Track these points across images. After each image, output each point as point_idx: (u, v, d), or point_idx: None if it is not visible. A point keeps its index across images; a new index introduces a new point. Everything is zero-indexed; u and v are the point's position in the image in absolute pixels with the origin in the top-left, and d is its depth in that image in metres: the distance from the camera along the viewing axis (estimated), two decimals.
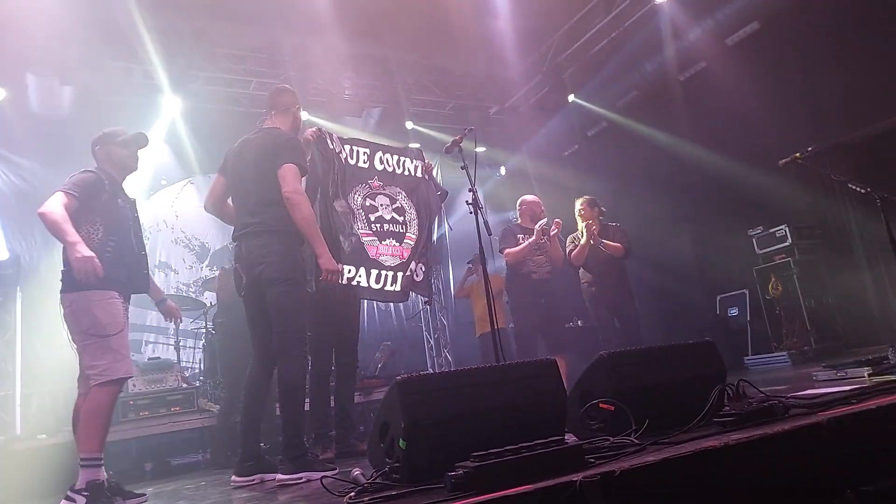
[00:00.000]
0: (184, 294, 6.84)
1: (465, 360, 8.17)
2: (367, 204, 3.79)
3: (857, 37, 5.89)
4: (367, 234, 3.71)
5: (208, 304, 6.06)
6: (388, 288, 3.76)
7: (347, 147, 3.89)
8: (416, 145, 8.63)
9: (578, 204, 5.37)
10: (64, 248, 2.96)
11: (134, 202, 3.47)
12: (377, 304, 8.17)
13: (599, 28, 6.98)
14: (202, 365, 5.85)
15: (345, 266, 3.53)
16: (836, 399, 2.39)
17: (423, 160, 4.34)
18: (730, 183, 6.56)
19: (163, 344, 6.73)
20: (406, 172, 4.19)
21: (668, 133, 7.25)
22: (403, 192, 4.06)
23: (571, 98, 7.83)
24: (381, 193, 3.92)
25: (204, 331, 5.82)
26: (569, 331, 5.35)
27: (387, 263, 3.75)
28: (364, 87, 7.53)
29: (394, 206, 3.94)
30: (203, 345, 5.77)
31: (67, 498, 2.91)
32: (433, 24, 6.58)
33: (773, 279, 6.69)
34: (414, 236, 3.98)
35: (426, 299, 4.37)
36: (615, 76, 7.43)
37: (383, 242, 3.77)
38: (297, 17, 6.14)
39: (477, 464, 1.69)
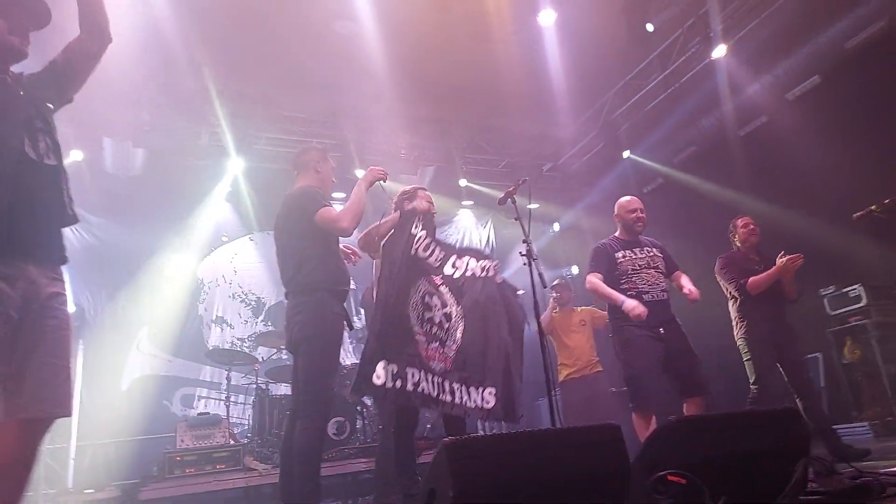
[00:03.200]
0: (237, 349, 6.91)
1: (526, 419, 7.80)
2: (425, 301, 3.40)
3: None
4: (420, 333, 3.31)
5: (261, 360, 6.09)
6: (441, 397, 3.21)
7: (432, 247, 3.49)
8: (468, 206, 8.66)
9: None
10: None
11: (34, 83, 2.15)
12: None
13: (655, 84, 6.95)
14: (251, 421, 5.83)
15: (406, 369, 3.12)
16: None
17: (491, 259, 3.72)
18: (796, 239, 6.20)
19: (215, 399, 6.76)
20: (468, 273, 3.60)
21: (728, 188, 7.03)
22: (454, 298, 3.52)
23: (627, 154, 7.74)
24: (436, 294, 3.48)
25: (255, 386, 5.82)
26: (701, 365, 4.10)
27: (434, 368, 3.27)
28: (419, 147, 7.68)
29: (444, 310, 3.47)
30: (253, 401, 5.76)
31: None
32: (487, 86, 6.71)
33: (849, 342, 6.21)
34: (455, 345, 3.41)
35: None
36: (672, 132, 7.32)
37: (431, 345, 3.32)
38: (356, 82, 6.40)
39: None
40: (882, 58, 5.82)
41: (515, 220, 3.52)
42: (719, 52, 6.16)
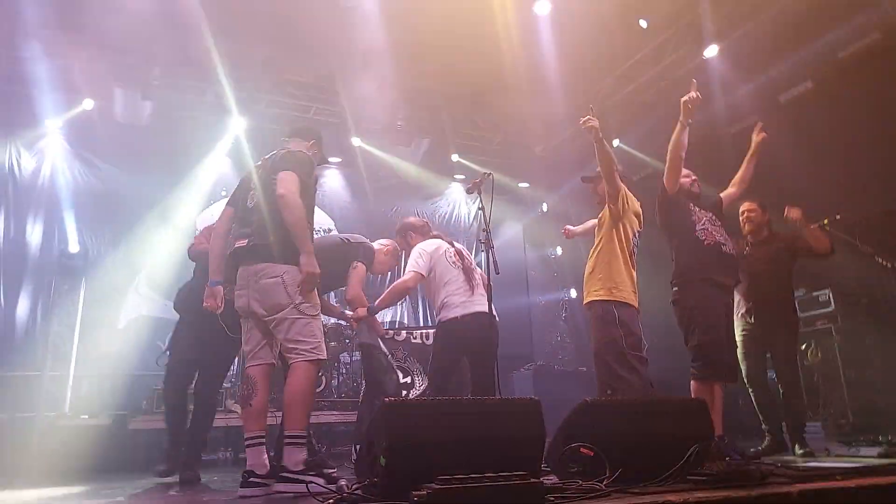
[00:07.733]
0: None
1: None
2: None
3: None
4: None
5: None
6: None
7: None
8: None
9: None
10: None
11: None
12: None
13: (648, 77, 7.08)
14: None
15: None
16: (821, 474, 2.37)
17: None
18: None
19: None
20: None
21: (714, 185, 7.21)
22: None
23: (616, 143, 7.89)
24: None
25: None
26: None
27: None
28: (415, 119, 7.85)
29: None
30: None
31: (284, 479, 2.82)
32: (485, 64, 6.82)
33: (812, 345, 6.46)
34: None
35: None
36: (661, 124, 7.45)
37: None
38: (356, 51, 6.53)
39: (439, 486, 1.84)
40: (873, 70, 5.96)
41: (479, 209, 3.65)
42: (711, 51, 6.28)
